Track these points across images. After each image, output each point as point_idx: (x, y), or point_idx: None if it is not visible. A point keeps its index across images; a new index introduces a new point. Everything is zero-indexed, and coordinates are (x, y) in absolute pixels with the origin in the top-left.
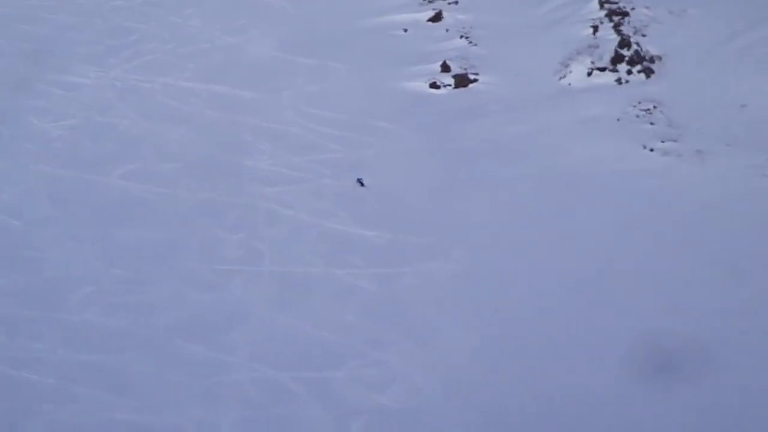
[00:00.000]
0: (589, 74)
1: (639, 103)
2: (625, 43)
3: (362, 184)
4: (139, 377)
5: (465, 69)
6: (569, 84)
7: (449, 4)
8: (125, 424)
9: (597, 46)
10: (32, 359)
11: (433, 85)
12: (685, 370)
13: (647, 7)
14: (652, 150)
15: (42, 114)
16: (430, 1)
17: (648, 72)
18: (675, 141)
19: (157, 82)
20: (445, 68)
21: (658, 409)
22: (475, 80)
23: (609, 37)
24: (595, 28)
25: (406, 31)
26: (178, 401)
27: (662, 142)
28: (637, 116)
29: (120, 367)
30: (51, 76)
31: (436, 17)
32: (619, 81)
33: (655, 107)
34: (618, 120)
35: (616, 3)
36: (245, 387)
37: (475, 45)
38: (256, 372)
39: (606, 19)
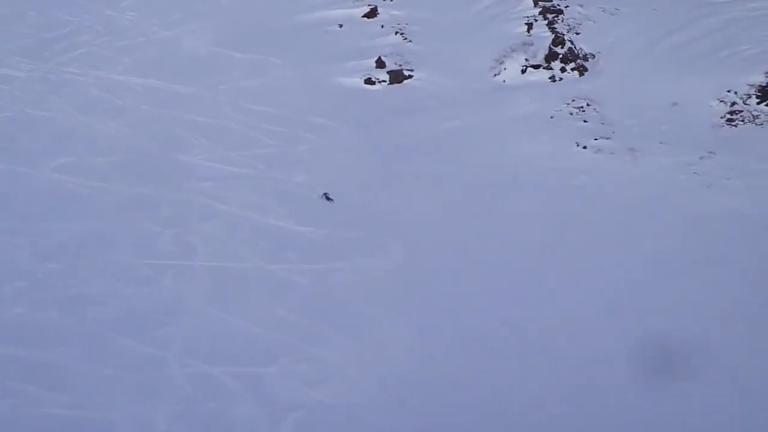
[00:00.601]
0: (524, 71)
1: (573, 100)
2: (559, 41)
3: (329, 199)
4: (72, 372)
5: (400, 65)
6: (504, 81)
7: (384, 0)
8: (59, 418)
9: (531, 44)
10: None
11: (369, 81)
12: (618, 367)
13: (581, 6)
14: (585, 147)
15: None
16: None
17: (581, 70)
18: (608, 138)
19: (91, 75)
20: (380, 64)
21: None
22: (410, 76)
23: (543, 35)
24: (530, 26)
25: (341, 26)
26: (112, 396)
27: (595, 139)
28: (571, 114)
29: (53, 362)
30: None
31: (371, 13)
32: (552, 78)
33: (588, 105)
34: (552, 117)
35: (550, 1)
36: (179, 382)
37: (410, 41)
38: (190, 367)
39: (540, 17)
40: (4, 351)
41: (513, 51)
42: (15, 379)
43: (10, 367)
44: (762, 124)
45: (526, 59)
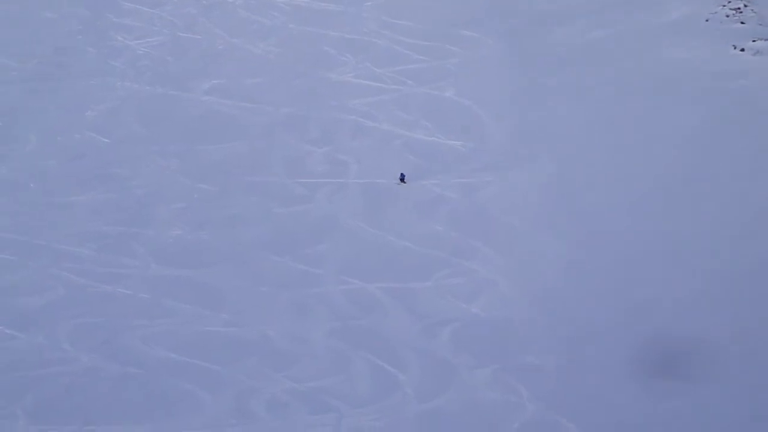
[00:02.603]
0: None
1: (729, 2)
2: None
3: (404, 181)
4: (229, 291)
5: None
6: None
7: None
8: (217, 336)
9: None
10: (125, 275)
11: None
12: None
13: None
14: (743, 50)
15: (127, 31)
16: None
17: None
18: (767, 40)
19: None
20: None
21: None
22: None
23: None
24: None
25: None
26: (268, 314)
27: (753, 41)
28: (727, 16)
29: (210, 281)
30: None
31: None
32: None
33: (745, 6)
34: (707, 21)
35: None
36: (334, 298)
37: None
38: (345, 284)
39: None
40: (164, 271)
41: None
42: (174, 298)
43: (169, 287)
44: None
45: None
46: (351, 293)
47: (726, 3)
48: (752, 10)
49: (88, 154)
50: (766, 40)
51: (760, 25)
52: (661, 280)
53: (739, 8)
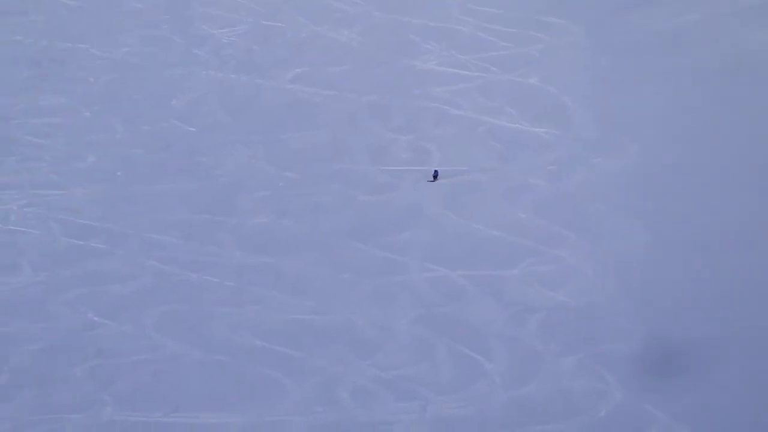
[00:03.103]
0: None
1: None
2: None
3: (436, 178)
4: (313, 278)
5: None
6: None
7: None
8: (302, 323)
9: None
10: (210, 263)
11: None
12: None
13: None
14: None
15: (211, 20)
16: None
17: None
18: None
19: None
20: None
21: None
22: None
23: None
24: None
25: None
26: (352, 301)
27: None
28: None
29: (295, 268)
30: None
31: None
32: None
33: None
34: None
35: None
36: (418, 286)
37: None
38: (429, 271)
39: None
40: (250, 259)
41: None
42: (260, 285)
43: (254, 275)
44: None
45: None
46: (435, 281)
47: None
48: None
49: (174, 143)
50: None
51: None
52: (748, 264)
53: None
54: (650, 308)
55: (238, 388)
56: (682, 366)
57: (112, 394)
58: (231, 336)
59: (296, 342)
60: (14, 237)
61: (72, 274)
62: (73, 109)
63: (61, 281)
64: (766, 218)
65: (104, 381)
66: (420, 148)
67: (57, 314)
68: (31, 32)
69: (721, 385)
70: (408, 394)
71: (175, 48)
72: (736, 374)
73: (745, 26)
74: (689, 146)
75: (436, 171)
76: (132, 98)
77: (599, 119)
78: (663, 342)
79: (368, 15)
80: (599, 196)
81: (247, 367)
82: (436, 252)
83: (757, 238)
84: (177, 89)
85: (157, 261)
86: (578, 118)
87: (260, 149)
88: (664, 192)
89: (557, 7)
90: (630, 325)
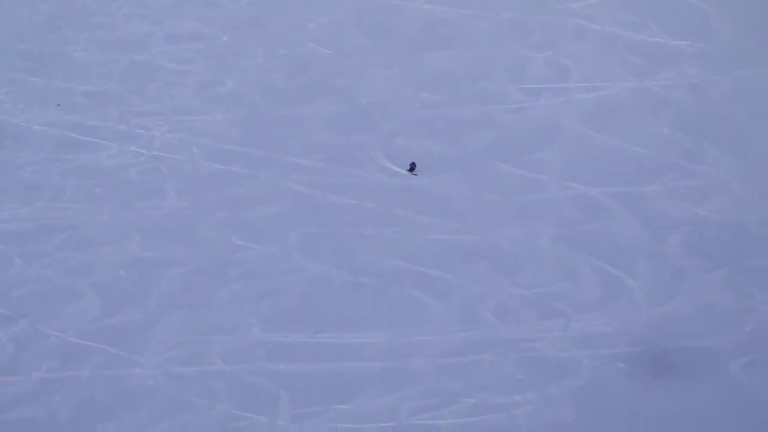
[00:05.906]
0: None
1: None
2: None
3: (413, 171)
4: (455, 198)
5: None
6: None
7: None
8: (445, 244)
9: None
10: (351, 184)
11: None
12: None
13: None
14: None
15: None
16: None
17: None
18: None
19: None
20: None
21: None
22: None
23: None
24: None
25: None
26: (495, 221)
27: None
28: None
29: (436, 189)
30: None
31: None
32: None
33: None
34: None
35: None
36: (559, 204)
37: None
38: (569, 189)
39: None
40: (389, 181)
41: None
42: (400, 207)
43: (395, 196)
44: None
45: None
46: (576, 199)
47: None
48: None
49: (311, 67)
50: None
51: None
52: None
53: None
54: None
55: (382, 308)
56: None
57: (258, 316)
58: (374, 257)
59: (439, 262)
60: (158, 163)
61: (215, 198)
62: (211, 35)
63: (205, 205)
64: None
65: (251, 304)
66: (558, 64)
67: (203, 238)
68: None
69: None
70: (551, 312)
71: None
72: None
73: None
74: None
75: (413, 163)
76: (269, 22)
77: (743, 31)
78: None
79: None
80: (743, 109)
81: (391, 287)
82: (575, 169)
83: None
84: (313, 12)
85: (298, 184)
86: (722, 30)
87: (398, 70)
88: None
89: None
90: None
